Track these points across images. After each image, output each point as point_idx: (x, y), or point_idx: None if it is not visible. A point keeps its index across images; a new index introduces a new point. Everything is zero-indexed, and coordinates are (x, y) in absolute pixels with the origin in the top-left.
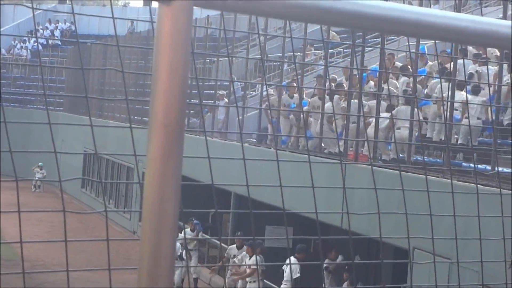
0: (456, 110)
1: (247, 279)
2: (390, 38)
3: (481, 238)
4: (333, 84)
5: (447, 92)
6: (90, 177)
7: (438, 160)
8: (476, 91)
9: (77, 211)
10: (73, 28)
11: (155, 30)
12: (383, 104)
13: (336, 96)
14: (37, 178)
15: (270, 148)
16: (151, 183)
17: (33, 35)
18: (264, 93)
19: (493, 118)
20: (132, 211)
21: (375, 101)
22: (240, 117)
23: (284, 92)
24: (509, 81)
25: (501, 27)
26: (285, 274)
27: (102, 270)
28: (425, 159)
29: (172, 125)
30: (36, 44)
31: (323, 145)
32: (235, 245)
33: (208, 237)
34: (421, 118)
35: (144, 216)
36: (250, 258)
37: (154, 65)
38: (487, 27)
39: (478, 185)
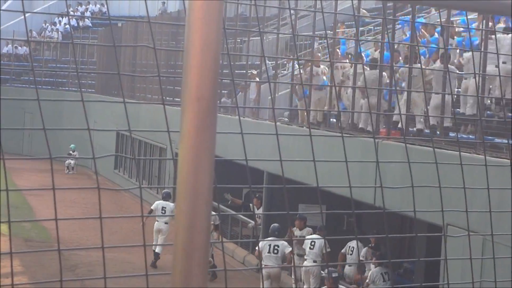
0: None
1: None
2: (420, 15)
3: None
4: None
5: (478, 67)
6: (123, 159)
7: (471, 136)
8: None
9: (111, 188)
10: (104, 10)
11: (186, 5)
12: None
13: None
14: (70, 158)
15: (303, 127)
16: (185, 156)
17: (65, 15)
18: (296, 71)
19: None
20: (166, 187)
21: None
22: (272, 96)
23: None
24: None
25: None
26: (313, 251)
27: (137, 249)
28: (458, 136)
29: (205, 99)
30: (67, 26)
31: (360, 124)
32: None
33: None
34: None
35: (178, 191)
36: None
37: (186, 40)
38: None
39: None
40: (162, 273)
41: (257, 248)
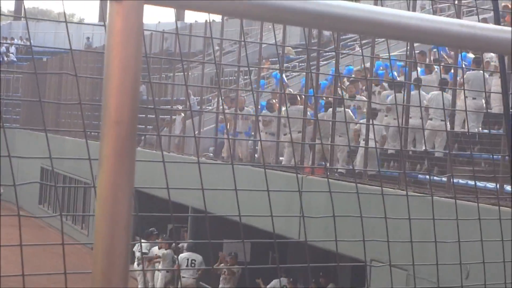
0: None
1: None
2: (343, 52)
3: (437, 241)
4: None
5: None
6: (47, 194)
7: (394, 172)
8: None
9: (31, 215)
10: (28, 44)
11: (106, 28)
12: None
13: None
14: None
15: (227, 163)
16: (104, 181)
17: None
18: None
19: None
20: (86, 215)
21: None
22: (197, 132)
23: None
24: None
25: (501, 33)
26: None
27: (58, 279)
28: (382, 172)
29: (124, 123)
30: None
31: (283, 161)
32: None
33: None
34: (382, 129)
35: (97, 216)
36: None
37: (106, 63)
38: (486, 32)
39: (434, 197)
40: None
41: (177, 262)
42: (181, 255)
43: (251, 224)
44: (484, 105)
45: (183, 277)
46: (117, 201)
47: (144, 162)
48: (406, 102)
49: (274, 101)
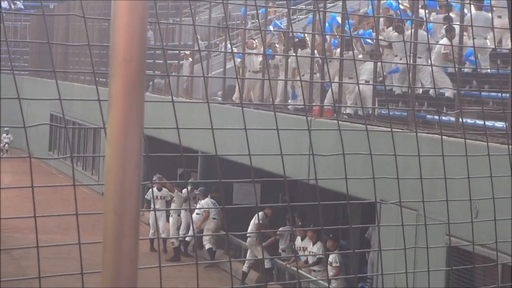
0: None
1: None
2: None
3: (446, 178)
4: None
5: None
6: (57, 140)
7: (403, 114)
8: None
9: (41, 157)
10: None
11: None
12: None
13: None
14: (4, 142)
15: (235, 106)
16: (115, 118)
17: None
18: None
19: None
20: (96, 155)
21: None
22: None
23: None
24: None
25: None
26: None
27: (73, 231)
28: (390, 113)
29: (134, 61)
30: None
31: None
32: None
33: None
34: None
35: (108, 153)
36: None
37: (113, 3)
38: None
39: (443, 136)
40: (93, 241)
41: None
42: (201, 201)
43: (262, 168)
44: (488, 43)
45: (214, 218)
46: (127, 139)
47: (154, 110)
48: (413, 41)
49: (277, 45)
